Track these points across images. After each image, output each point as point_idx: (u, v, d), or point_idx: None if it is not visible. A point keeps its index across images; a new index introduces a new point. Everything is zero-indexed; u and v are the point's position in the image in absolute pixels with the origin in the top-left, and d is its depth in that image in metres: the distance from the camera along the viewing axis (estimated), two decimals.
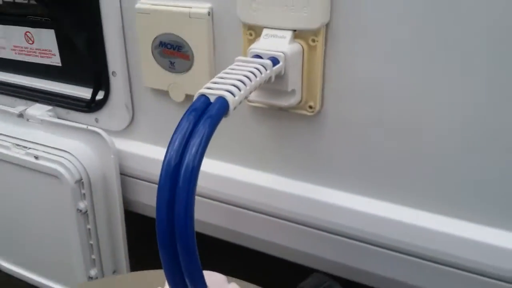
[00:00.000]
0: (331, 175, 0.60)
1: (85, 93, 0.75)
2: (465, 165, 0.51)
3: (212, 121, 0.41)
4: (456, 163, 0.52)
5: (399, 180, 0.56)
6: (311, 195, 0.60)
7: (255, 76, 0.47)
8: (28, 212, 0.75)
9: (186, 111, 0.41)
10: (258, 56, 0.52)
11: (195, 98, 0.43)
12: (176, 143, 0.39)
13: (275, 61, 0.51)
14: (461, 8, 0.46)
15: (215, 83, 0.44)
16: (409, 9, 0.48)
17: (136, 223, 0.76)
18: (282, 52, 0.51)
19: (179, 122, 0.40)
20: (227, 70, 0.47)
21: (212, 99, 0.43)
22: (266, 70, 0.49)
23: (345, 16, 0.51)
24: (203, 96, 0.43)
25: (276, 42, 0.53)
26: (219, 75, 0.46)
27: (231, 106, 0.42)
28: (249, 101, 0.58)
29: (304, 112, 0.57)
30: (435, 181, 0.54)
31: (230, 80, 0.45)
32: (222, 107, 0.42)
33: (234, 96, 0.43)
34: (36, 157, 0.69)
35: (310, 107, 0.56)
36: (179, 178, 0.38)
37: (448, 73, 0.49)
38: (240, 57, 0.50)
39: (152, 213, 0.75)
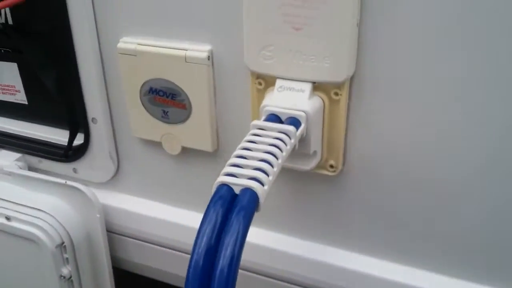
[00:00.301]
0: (352, 238, 0.53)
1: (59, 136, 0.65)
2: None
3: (247, 214, 0.34)
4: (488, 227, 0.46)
5: (425, 245, 0.50)
6: (331, 260, 0.53)
7: (281, 150, 0.39)
8: (4, 279, 0.65)
9: (211, 200, 0.35)
10: (274, 115, 0.44)
11: (214, 188, 0.35)
12: (205, 239, 0.33)
13: (296, 123, 0.43)
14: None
15: (236, 166, 0.37)
16: (446, 68, 0.41)
17: (125, 281, 0.67)
18: (303, 111, 0.43)
19: (205, 213, 0.34)
20: (246, 144, 0.39)
21: (237, 189, 0.35)
22: (290, 139, 0.41)
23: (373, 68, 0.44)
24: (225, 185, 0.35)
25: (294, 97, 0.45)
26: (237, 152, 0.38)
27: (262, 199, 0.35)
28: None
29: (325, 172, 0.49)
30: (464, 247, 0.48)
31: (254, 161, 0.37)
32: (252, 201, 0.34)
33: (263, 186, 0.35)
34: (8, 218, 0.59)
35: (332, 166, 0.49)
36: (212, 285, 0.32)
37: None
38: (256, 122, 0.42)
39: (144, 272, 0.68)
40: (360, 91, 0.45)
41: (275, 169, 0.37)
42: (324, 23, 0.42)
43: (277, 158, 0.38)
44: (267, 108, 0.44)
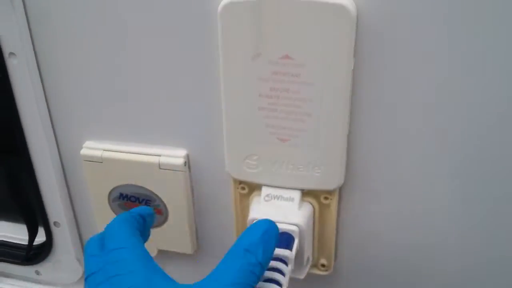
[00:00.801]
0: None
1: (16, 233, 0.59)
2: None
3: None
4: None
5: None
6: None
7: (281, 286, 0.36)
8: None
9: None
10: None
11: None
12: None
13: (289, 239, 0.39)
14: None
15: None
16: (432, 172, 0.40)
17: None
18: (296, 225, 0.40)
19: None
20: None
21: None
22: (287, 266, 0.38)
23: (363, 174, 0.41)
24: None
25: (284, 208, 0.41)
26: None
27: None
28: None
29: (317, 271, 0.46)
30: None
31: None
32: None
33: None
34: None
35: (323, 265, 0.46)
36: None
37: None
38: None
39: None
40: (350, 194, 0.43)
41: None
42: (312, 135, 0.39)
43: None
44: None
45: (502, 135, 0.37)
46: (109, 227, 0.35)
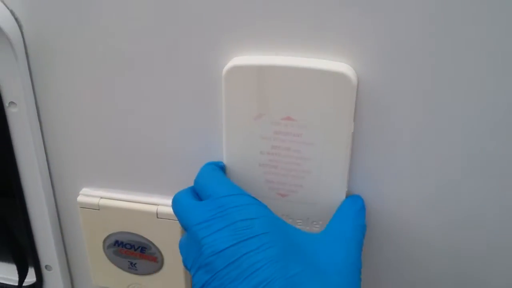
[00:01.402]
0: None
1: (6, 273, 0.57)
2: None
3: None
4: None
5: None
6: None
7: None
8: None
9: None
10: None
11: None
12: None
13: None
14: None
15: None
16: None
17: None
18: None
19: None
20: None
21: None
22: None
23: None
24: None
25: None
26: None
27: None
28: None
29: None
30: None
31: None
32: None
33: None
34: None
35: None
36: None
37: None
38: None
39: None
40: None
41: None
42: (311, 191, 0.39)
43: None
44: None
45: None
46: (202, 177, 0.36)
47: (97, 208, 0.46)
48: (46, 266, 0.52)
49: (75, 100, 0.43)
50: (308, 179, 0.39)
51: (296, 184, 0.39)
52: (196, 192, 0.37)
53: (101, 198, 0.46)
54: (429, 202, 0.39)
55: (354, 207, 0.38)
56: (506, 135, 0.35)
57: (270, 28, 0.36)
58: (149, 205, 0.45)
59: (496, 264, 0.41)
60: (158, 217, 0.45)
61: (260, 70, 0.36)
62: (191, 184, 0.43)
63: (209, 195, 0.33)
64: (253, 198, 0.34)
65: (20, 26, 0.41)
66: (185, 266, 0.34)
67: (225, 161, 0.40)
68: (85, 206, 0.46)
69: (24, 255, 0.54)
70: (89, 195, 0.46)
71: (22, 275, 0.55)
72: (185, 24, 0.37)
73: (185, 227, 0.34)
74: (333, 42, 0.35)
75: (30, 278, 0.55)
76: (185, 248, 0.34)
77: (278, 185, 0.40)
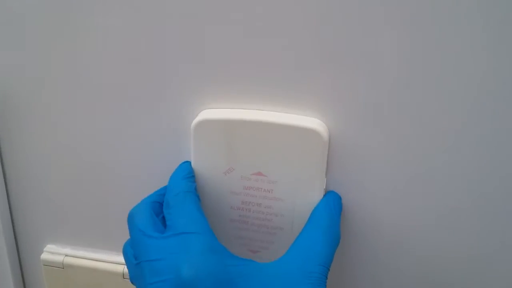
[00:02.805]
0: None
1: None
2: None
3: None
4: None
5: None
6: None
7: None
8: None
9: None
10: None
11: None
12: None
13: None
14: None
15: None
16: None
17: None
18: None
19: None
20: None
21: None
22: None
23: None
24: None
25: None
26: None
27: None
28: None
29: None
30: None
31: None
32: None
33: None
34: None
35: None
36: None
37: None
38: None
39: None
40: None
41: None
42: (282, 247, 0.36)
43: None
44: None
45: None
46: (173, 192, 0.33)
47: (62, 266, 0.42)
48: None
49: (39, 155, 0.40)
50: (279, 235, 0.36)
51: (267, 241, 0.36)
52: (157, 202, 0.34)
53: (66, 255, 0.42)
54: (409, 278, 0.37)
55: (328, 215, 0.33)
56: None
57: (241, 81, 0.34)
58: (115, 265, 0.41)
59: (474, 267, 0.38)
60: (124, 278, 0.41)
61: (229, 124, 0.33)
62: None
63: (170, 225, 0.31)
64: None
65: None
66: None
67: None
68: (49, 264, 0.42)
69: None
70: (54, 252, 0.43)
71: None
72: (155, 75, 0.35)
73: (134, 249, 0.31)
74: (304, 97, 0.33)
75: None
76: (131, 269, 0.31)
77: (249, 241, 0.37)
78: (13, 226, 0.43)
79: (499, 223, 0.34)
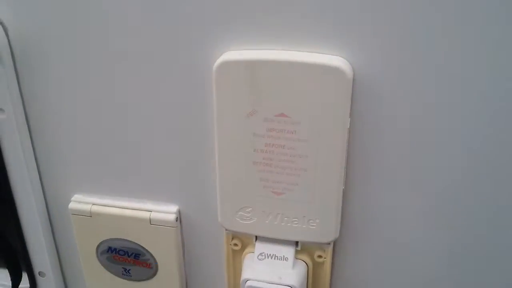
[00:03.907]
0: None
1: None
2: None
3: None
4: None
5: None
6: None
7: None
8: None
9: None
10: None
11: None
12: None
13: None
14: None
15: None
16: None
17: None
18: (290, 287, 0.37)
19: None
20: None
21: None
22: None
23: (356, 230, 0.38)
24: None
25: (278, 268, 0.37)
26: None
27: None
28: None
29: None
30: None
31: None
32: None
33: None
34: None
35: None
36: None
37: None
38: None
39: None
40: (343, 252, 0.39)
41: None
42: (307, 189, 0.35)
43: None
44: (249, 283, 0.37)
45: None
46: None
47: (89, 215, 0.42)
48: (40, 273, 0.47)
49: (65, 105, 0.39)
50: (303, 176, 0.35)
51: (291, 182, 0.35)
52: None
53: (93, 204, 0.42)
54: (428, 204, 0.36)
55: None
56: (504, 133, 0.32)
57: (263, 21, 0.32)
58: (142, 211, 0.41)
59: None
60: (151, 224, 0.41)
61: (252, 65, 0.32)
62: (184, 186, 0.40)
63: None
64: None
65: (5, 30, 0.37)
66: None
67: (217, 160, 0.36)
68: (77, 213, 0.42)
69: (18, 261, 0.49)
70: (81, 201, 0.42)
71: (16, 281, 0.50)
72: (175, 19, 0.33)
73: None
74: (328, 35, 0.31)
75: (24, 284, 0.51)
76: None
77: (273, 184, 0.36)
78: (40, 178, 0.43)
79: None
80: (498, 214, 0.35)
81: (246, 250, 0.40)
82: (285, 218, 0.37)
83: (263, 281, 0.36)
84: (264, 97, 0.33)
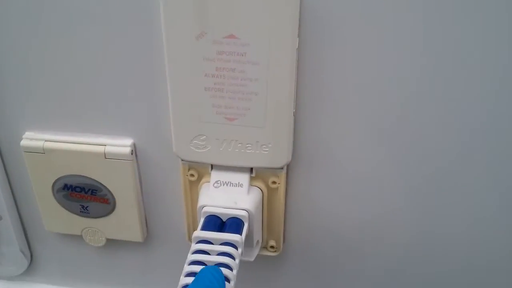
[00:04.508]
0: None
1: None
2: None
3: None
4: None
5: None
6: None
7: (231, 269, 0.32)
8: None
9: None
10: (214, 216, 0.37)
11: None
12: None
13: (239, 223, 0.36)
14: None
15: None
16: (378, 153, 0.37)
17: None
18: (246, 210, 0.37)
19: None
20: (189, 269, 0.32)
21: None
22: (237, 249, 0.34)
23: (308, 154, 0.38)
24: None
25: (233, 194, 0.38)
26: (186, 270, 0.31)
27: None
28: None
29: (266, 253, 0.43)
30: None
31: None
32: None
33: None
34: None
35: (272, 247, 0.43)
36: None
37: None
38: (198, 233, 0.34)
39: None
40: (296, 178, 0.40)
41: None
42: (259, 113, 0.35)
43: (229, 282, 0.31)
44: (206, 209, 0.37)
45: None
46: None
47: (42, 151, 0.41)
48: None
49: (14, 41, 0.37)
50: (255, 101, 0.35)
51: (243, 107, 0.35)
52: None
53: (46, 141, 0.41)
54: (377, 127, 0.36)
55: None
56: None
57: None
58: (97, 146, 0.40)
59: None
60: (106, 158, 0.40)
61: None
62: (137, 118, 0.39)
63: None
64: None
65: None
66: None
67: (169, 88, 0.35)
68: (29, 150, 0.41)
69: None
70: (33, 138, 0.41)
71: None
72: None
73: None
74: None
75: None
76: None
77: (225, 109, 0.36)
78: None
79: None
80: (445, 131, 0.36)
81: (203, 180, 0.40)
82: (239, 145, 0.37)
83: (219, 206, 0.37)
84: (212, 18, 0.32)
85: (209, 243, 0.34)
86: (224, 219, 0.37)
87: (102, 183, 0.42)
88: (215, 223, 0.36)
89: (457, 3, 0.31)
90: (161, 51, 0.35)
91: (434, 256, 0.42)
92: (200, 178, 0.40)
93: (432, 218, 0.40)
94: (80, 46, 0.37)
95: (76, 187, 0.42)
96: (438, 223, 0.40)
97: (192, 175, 0.40)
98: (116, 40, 0.36)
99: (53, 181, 0.42)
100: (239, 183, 0.38)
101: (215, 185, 0.38)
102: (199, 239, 0.34)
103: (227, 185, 0.38)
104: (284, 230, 0.43)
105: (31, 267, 0.51)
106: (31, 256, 0.50)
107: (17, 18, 0.36)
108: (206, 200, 0.37)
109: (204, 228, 0.36)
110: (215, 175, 0.38)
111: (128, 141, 0.40)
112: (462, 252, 0.41)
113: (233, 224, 0.36)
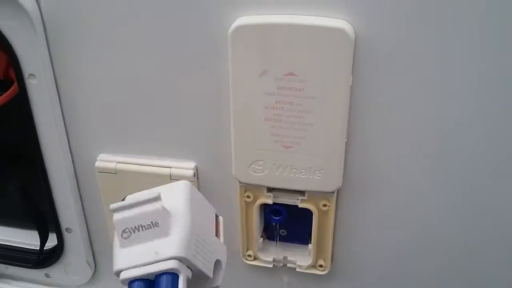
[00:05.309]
0: None
1: (25, 238, 0.56)
2: None
3: None
4: None
5: None
6: None
7: None
8: None
9: None
10: (138, 281, 0.26)
11: None
12: None
13: (173, 279, 0.26)
14: None
15: None
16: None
17: None
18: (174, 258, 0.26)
19: None
20: None
21: None
22: None
23: (358, 179, 0.41)
24: None
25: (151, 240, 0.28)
26: None
27: None
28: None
29: (315, 271, 0.46)
30: None
31: None
32: None
33: None
34: None
35: (321, 266, 0.46)
36: None
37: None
38: None
39: None
40: (346, 201, 0.43)
41: None
42: (313, 142, 0.39)
43: None
44: (124, 275, 0.28)
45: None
46: None
47: (114, 172, 0.45)
48: (67, 229, 0.51)
49: (92, 70, 0.42)
50: (310, 131, 0.38)
51: (299, 136, 0.39)
52: None
53: (118, 163, 0.45)
54: (427, 152, 0.39)
55: None
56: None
57: None
58: (163, 168, 0.44)
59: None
60: (171, 179, 0.44)
61: (264, 29, 0.35)
62: (200, 143, 0.43)
63: None
64: None
65: (37, 0, 0.40)
66: None
67: (232, 117, 0.39)
68: (103, 171, 0.46)
69: (45, 220, 0.53)
70: (106, 160, 0.46)
71: (44, 239, 0.54)
72: None
73: None
74: (334, 1, 0.34)
75: (52, 242, 0.54)
76: None
77: (283, 138, 0.39)
78: (68, 140, 0.46)
79: None
80: (502, 163, 0.38)
81: (258, 202, 0.43)
82: (294, 170, 0.40)
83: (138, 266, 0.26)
84: (274, 58, 0.36)
85: None
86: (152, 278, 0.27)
87: None
88: None
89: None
90: (226, 86, 0.38)
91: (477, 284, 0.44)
92: (255, 199, 0.43)
93: (477, 244, 0.42)
94: (152, 79, 0.41)
95: None
96: (483, 250, 0.42)
97: (248, 196, 0.43)
98: (184, 76, 0.40)
99: (121, 198, 0.46)
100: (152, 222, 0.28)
101: (124, 235, 0.28)
102: None
103: (137, 230, 0.28)
104: (333, 251, 0.45)
105: (94, 277, 0.55)
106: (95, 267, 0.54)
107: (96, 51, 0.41)
108: (120, 263, 0.28)
109: None
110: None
111: (191, 164, 0.44)
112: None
113: (164, 282, 0.26)
